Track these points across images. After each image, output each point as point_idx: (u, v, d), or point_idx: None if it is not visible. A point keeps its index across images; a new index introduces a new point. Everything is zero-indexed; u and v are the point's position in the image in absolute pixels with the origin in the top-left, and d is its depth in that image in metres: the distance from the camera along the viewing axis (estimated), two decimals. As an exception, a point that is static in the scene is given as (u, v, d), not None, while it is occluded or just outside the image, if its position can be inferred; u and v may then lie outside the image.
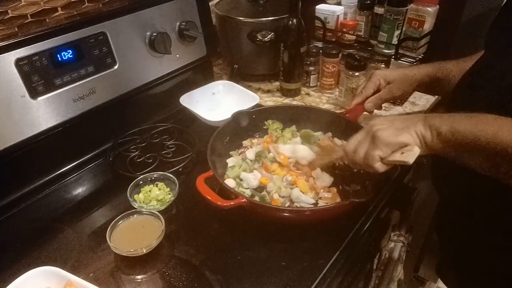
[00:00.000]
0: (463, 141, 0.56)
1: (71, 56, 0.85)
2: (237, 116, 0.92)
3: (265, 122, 0.96)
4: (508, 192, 0.58)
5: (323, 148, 0.84)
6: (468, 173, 0.60)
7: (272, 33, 1.14)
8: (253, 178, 0.80)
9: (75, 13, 0.95)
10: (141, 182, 0.83)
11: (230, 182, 0.80)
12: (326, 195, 0.78)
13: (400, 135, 0.62)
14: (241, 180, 0.82)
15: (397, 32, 1.17)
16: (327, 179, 0.82)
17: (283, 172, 0.82)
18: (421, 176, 1.02)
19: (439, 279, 1.03)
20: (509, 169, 0.54)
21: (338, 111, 1.06)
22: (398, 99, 1.13)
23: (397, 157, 0.63)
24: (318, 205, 0.77)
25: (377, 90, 0.93)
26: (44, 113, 0.84)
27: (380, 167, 0.65)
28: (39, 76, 0.81)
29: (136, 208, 0.76)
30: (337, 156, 0.77)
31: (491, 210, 0.68)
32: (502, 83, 0.62)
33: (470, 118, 0.58)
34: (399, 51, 1.15)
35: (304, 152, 0.85)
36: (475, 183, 0.64)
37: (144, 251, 0.68)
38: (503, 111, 0.56)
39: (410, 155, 0.61)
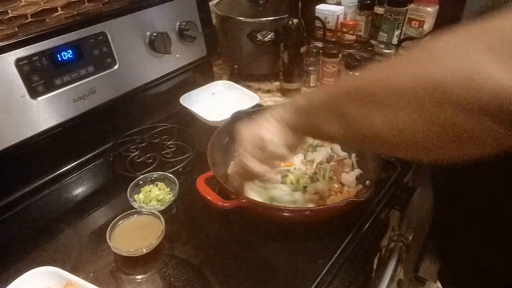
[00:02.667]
0: (319, 106, 0.50)
1: (71, 56, 0.85)
2: (237, 116, 0.92)
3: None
4: (507, 196, 0.58)
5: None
6: (467, 180, 0.60)
7: (272, 33, 1.14)
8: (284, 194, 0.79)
9: (75, 13, 0.95)
10: (141, 182, 0.83)
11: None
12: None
13: (254, 125, 0.60)
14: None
15: (397, 32, 1.17)
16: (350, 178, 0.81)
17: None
18: (421, 176, 1.02)
19: (438, 280, 1.03)
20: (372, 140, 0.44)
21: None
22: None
23: (267, 151, 0.59)
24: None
25: None
26: (44, 113, 0.84)
27: (255, 166, 0.61)
28: (39, 76, 0.81)
29: (136, 208, 0.76)
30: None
31: (489, 215, 0.68)
32: None
33: (325, 87, 0.54)
34: (399, 51, 1.15)
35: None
36: (474, 192, 0.63)
37: (144, 251, 0.68)
38: None
39: (273, 143, 0.57)
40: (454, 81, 0.34)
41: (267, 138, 0.58)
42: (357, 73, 0.47)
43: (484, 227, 0.69)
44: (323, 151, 0.89)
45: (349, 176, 0.83)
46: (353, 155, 0.89)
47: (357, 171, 0.85)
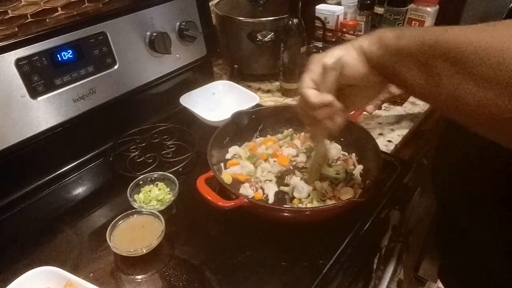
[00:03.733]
0: (406, 44, 0.46)
1: (71, 56, 0.85)
2: (237, 116, 0.92)
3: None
4: (507, 196, 0.58)
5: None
6: (467, 180, 0.60)
7: (272, 33, 1.14)
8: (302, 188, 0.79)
9: (75, 13, 0.95)
10: (141, 182, 0.83)
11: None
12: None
13: (330, 51, 0.54)
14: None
15: (397, 32, 1.17)
16: (304, 190, 0.79)
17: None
18: (421, 176, 1.03)
19: (439, 279, 1.03)
20: (454, 82, 0.40)
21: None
22: (398, 99, 1.13)
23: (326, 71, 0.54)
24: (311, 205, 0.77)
25: None
26: (44, 113, 0.84)
27: (310, 93, 0.55)
28: (39, 76, 0.81)
29: (136, 208, 0.76)
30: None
31: (490, 216, 0.68)
32: None
33: (422, 28, 0.50)
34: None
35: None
36: (474, 191, 0.63)
37: (144, 251, 0.68)
38: None
39: (331, 56, 0.52)
40: None
41: (330, 66, 0.52)
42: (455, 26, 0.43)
43: (485, 224, 0.70)
44: (336, 148, 0.91)
45: (354, 173, 0.84)
46: (353, 154, 0.90)
47: (360, 167, 0.86)
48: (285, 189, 0.81)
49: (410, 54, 0.45)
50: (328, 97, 0.55)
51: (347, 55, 0.52)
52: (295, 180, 0.81)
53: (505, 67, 0.35)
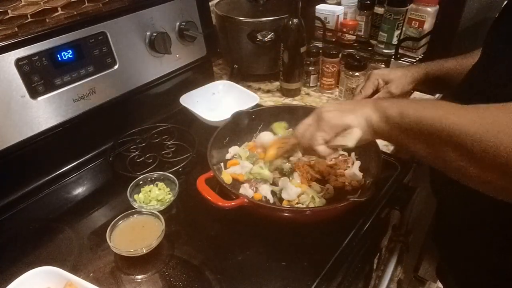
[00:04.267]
0: (409, 124, 0.52)
1: (71, 56, 0.85)
2: (237, 116, 0.92)
3: (272, 125, 0.97)
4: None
5: (283, 136, 0.85)
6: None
7: (272, 33, 1.14)
8: (291, 189, 0.79)
9: (75, 13, 0.95)
10: (141, 182, 0.83)
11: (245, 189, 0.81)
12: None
13: (344, 117, 0.60)
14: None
15: (397, 32, 1.17)
16: (292, 191, 0.79)
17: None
18: (421, 176, 1.02)
19: (438, 278, 1.03)
20: (458, 162, 0.47)
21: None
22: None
23: (338, 140, 0.61)
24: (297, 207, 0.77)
25: (376, 90, 0.93)
26: (44, 113, 0.84)
27: (323, 150, 0.63)
28: (39, 76, 0.81)
29: (136, 208, 0.76)
30: (292, 143, 0.74)
31: (489, 215, 0.68)
32: (497, 88, 0.62)
33: (420, 102, 0.55)
34: (399, 51, 1.15)
35: (265, 138, 0.87)
36: (473, 190, 0.63)
37: (144, 251, 0.68)
38: None
39: (350, 138, 0.59)
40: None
41: (349, 131, 0.59)
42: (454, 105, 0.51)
43: (485, 224, 0.69)
44: None
45: (353, 169, 0.84)
46: (353, 154, 0.90)
47: (358, 163, 0.86)
48: (276, 189, 0.81)
49: (414, 133, 0.52)
50: (329, 153, 0.64)
51: (358, 128, 0.59)
52: (284, 181, 0.81)
53: (502, 152, 0.41)
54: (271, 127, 0.96)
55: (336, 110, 0.62)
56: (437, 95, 1.18)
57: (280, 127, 0.94)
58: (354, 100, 0.69)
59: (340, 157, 0.89)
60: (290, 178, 0.82)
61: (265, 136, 0.90)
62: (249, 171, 0.84)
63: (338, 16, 1.25)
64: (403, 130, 0.54)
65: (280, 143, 0.79)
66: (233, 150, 0.91)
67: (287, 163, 0.86)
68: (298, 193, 0.78)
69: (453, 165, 0.48)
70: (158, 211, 0.74)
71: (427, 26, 1.11)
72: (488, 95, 0.63)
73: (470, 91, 0.70)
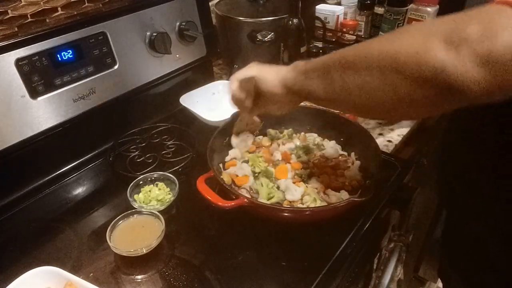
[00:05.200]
0: (312, 66, 0.60)
1: (71, 56, 0.85)
2: (237, 116, 0.92)
3: (268, 131, 0.97)
4: None
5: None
6: (472, 180, 0.60)
7: (272, 33, 1.14)
8: (295, 190, 0.78)
9: (75, 13, 0.95)
10: (141, 182, 0.83)
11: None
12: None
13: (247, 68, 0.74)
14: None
15: (397, 32, 1.17)
16: (296, 192, 0.78)
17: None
18: (421, 176, 1.03)
19: (439, 279, 1.03)
20: (342, 80, 0.53)
21: (337, 111, 1.06)
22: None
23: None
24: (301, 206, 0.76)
25: None
26: (44, 113, 0.84)
27: (233, 87, 0.74)
28: (39, 76, 0.81)
29: (136, 208, 0.76)
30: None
31: (494, 214, 0.68)
32: None
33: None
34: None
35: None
36: (480, 191, 0.63)
37: (144, 251, 0.68)
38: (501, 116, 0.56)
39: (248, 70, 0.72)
40: (406, 55, 0.44)
41: (256, 76, 0.70)
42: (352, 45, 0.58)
43: (489, 223, 0.69)
44: (331, 146, 0.91)
45: (352, 170, 0.84)
46: (352, 153, 0.90)
47: (358, 163, 0.86)
48: (280, 195, 0.79)
49: (313, 71, 0.59)
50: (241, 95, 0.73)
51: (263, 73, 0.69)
52: (287, 182, 0.80)
53: (373, 58, 0.48)
54: (269, 130, 0.96)
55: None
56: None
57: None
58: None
59: (340, 157, 0.89)
60: (307, 184, 0.81)
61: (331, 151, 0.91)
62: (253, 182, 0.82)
63: (338, 16, 1.25)
64: (305, 72, 0.61)
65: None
66: (233, 153, 0.90)
67: (307, 169, 0.84)
68: (302, 192, 0.78)
69: (339, 84, 0.53)
70: (158, 211, 0.74)
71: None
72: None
73: None
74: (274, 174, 0.83)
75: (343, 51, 0.54)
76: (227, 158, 0.89)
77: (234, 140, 0.91)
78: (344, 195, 0.78)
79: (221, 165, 0.88)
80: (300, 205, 0.77)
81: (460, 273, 0.84)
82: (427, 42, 0.42)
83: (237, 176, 0.83)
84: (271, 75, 0.68)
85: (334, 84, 0.54)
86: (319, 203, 0.76)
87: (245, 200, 0.70)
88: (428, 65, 0.41)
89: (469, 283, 0.81)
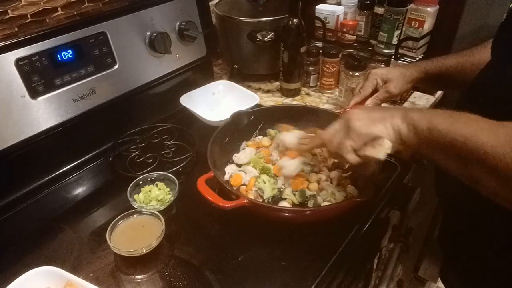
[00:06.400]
0: (439, 139, 0.53)
1: (71, 56, 0.85)
2: (237, 116, 0.92)
3: (268, 131, 0.97)
4: None
5: (307, 136, 0.84)
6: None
7: (272, 33, 1.14)
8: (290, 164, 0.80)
9: (75, 13, 0.95)
10: (141, 182, 0.83)
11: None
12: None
13: (373, 126, 0.60)
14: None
15: (397, 32, 1.17)
16: (291, 167, 0.80)
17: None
18: (421, 176, 1.02)
19: (439, 279, 1.03)
20: (486, 179, 0.49)
21: (338, 111, 1.06)
22: (398, 98, 1.13)
23: (368, 151, 0.61)
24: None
25: (375, 89, 0.93)
26: (44, 113, 0.84)
27: (352, 158, 0.63)
28: (39, 76, 0.81)
29: (136, 208, 0.76)
30: (317, 143, 0.74)
31: (494, 216, 0.68)
32: (506, 94, 0.61)
33: (450, 116, 0.55)
34: (399, 51, 1.15)
35: (289, 138, 0.86)
36: (476, 192, 0.63)
37: (144, 251, 0.68)
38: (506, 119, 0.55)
39: (380, 150, 0.58)
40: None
41: (379, 142, 0.59)
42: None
43: (489, 224, 0.69)
44: None
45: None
46: None
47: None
48: (277, 184, 0.81)
49: (443, 148, 0.53)
50: (357, 162, 0.64)
51: (387, 138, 0.59)
52: (282, 160, 0.81)
53: None
54: (269, 130, 0.96)
55: (365, 119, 0.61)
56: (438, 93, 1.18)
57: (285, 128, 0.93)
58: (383, 107, 0.68)
59: None
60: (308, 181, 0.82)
61: (288, 137, 0.88)
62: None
63: (338, 16, 1.25)
64: (431, 144, 0.54)
65: (303, 140, 0.80)
66: (229, 169, 0.87)
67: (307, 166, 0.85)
68: (295, 165, 0.79)
69: (482, 183, 0.50)
70: (158, 211, 0.74)
71: (427, 26, 1.11)
72: (501, 100, 0.62)
73: (483, 95, 0.69)
74: (271, 170, 0.83)
75: (484, 137, 0.49)
76: (226, 177, 0.85)
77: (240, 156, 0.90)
78: (351, 189, 0.78)
79: (226, 176, 0.86)
80: (318, 198, 0.77)
81: (459, 274, 0.84)
82: None
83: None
84: (382, 130, 0.60)
85: (473, 176, 0.51)
86: (338, 196, 0.76)
87: (246, 200, 0.70)
88: None
89: (467, 284, 0.81)
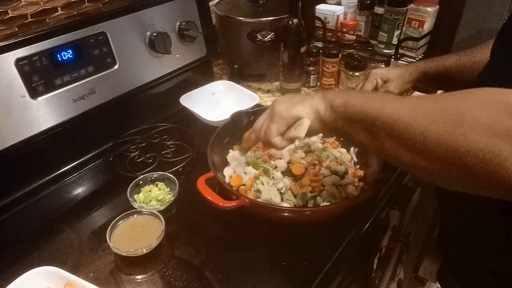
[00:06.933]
0: (352, 113, 0.55)
1: (71, 56, 0.85)
2: (237, 116, 0.92)
3: None
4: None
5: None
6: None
7: (272, 33, 1.14)
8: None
9: (75, 13, 0.95)
10: (141, 182, 0.83)
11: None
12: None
13: (293, 108, 0.62)
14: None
15: (397, 32, 1.17)
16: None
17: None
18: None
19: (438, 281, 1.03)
20: (393, 149, 0.50)
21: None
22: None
23: (291, 131, 0.63)
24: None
25: (375, 89, 0.93)
26: (44, 113, 0.84)
27: (278, 142, 0.65)
28: (39, 76, 0.81)
29: (136, 208, 0.76)
30: (252, 139, 0.74)
31: (493, 217, 0.68)
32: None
33: (364, 94, 0.56)
34: (399, 51, 1.15)
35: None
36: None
37: (144, 251, 0.68)
38: None
39: (301, 129, 0.61)
40: (475, 158, 0.41)
41: (299, 122, 0.62)
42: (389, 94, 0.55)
43: (488, 226, 0.69)
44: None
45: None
46: (352, 149, 0.90)
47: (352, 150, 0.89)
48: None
49: (356, 122, 0.55)
50: (285, 145, 0.66)
51: (307, 118, 0.62)
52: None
53: (428, 142, 0.43)
54: None
55: (286, 102, 0.64)
56: (438, 93, 1.18)
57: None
58: (305, 94, 0.71)
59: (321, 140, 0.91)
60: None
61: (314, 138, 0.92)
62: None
63: (338, 16, 1.25)
64: (346, 119, 0.57)
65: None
66: (228, 171, 0.86)
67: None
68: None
69: (389, 151, 0.50)
70: (158, 211, 0.74)
71: (427, 26, 1.11)
72: None
73: None
74: (270, 171, 0.83)
75: (390, 108, 0.49)
76: (227, 179, 0.84)
77: (233, 154, 0.89)
78: (351, 189, 0.78)
79: (227, 179, 0.85)
80: (318, 198, 0.77)
81: (456, 275, 0.84)
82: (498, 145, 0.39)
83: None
84: (301, 110, 0.63)
85: (383, 147, 0.51)
86: (338, 197, 0.77)
87: (246, 200, 0.70)
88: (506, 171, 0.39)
89: (465, 286, 0.81)
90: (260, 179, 0.80)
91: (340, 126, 0.58)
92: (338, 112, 0.58)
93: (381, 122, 0.50)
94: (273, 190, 0.78)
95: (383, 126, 0.50)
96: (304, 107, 0.62)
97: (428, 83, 0.93)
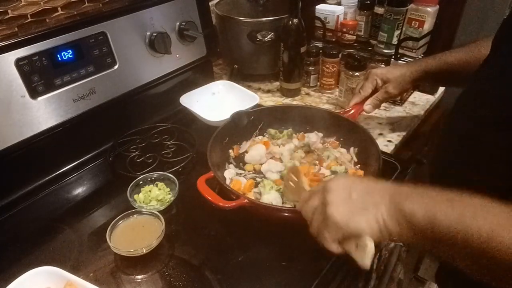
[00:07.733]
0: (444, 234, 0.45)
1: (71, 56, 0.85)
2: (237, 116, 0.92)
3: (268, 130, 0.98)
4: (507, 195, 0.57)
5: (295, 184, 0.72)
6: (467, 179, 0.59)
7: (272, 33, 1.14)
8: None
9: (75, 13, 0.95)
10: (141, 182, 0.83)
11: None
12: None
13: (353, 218, 0.52)
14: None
15: (397, 32, 1.17)
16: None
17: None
18: (421, 176, 1.02)
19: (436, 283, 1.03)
20: (502, 275, 0.45)
21: (338, 111, 1.06)
22: (398, 99, 1.13)
23: (351, 250, 0.53)
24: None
25: (375, 89, 0.93)
26: (44, 113, 0.84)
27: (334, 249, 0.56)
28: (39, 76, 0.81)
29: (136, 208, 0.76)
30: (298, 199, 0.67)
31: None
32: (504, 92, 0.61)
33: (452, 203, 0.47)
34: (399, 51, 1.15)
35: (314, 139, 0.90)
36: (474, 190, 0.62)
37: (144, 251, 0.68)
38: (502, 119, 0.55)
39: (366, 257, 0.51)
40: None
41: (362, 244, 0.52)
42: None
43: None
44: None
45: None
46: (351, 148, 0.90)
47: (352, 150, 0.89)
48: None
49: (424, 235, 0.48)
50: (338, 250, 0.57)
51: (370, 237, 0.52)
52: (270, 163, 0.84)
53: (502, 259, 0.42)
54: (269, 130, 0.97)
55: (345, 206, 0.53)
56: (438, 93, 1.18)
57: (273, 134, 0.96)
58: (367, 186, 0.56)
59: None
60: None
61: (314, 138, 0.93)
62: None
63: (338, 16, 1.25)
64: (433, 239, 0.48)
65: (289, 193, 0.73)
66: (228, 173, 0.86)
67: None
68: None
69: (457, 260, 0.48)
70: (158, 211, 0.74)
71: (427, 26, 1.11)
72: (499, 100, 0.61)
73: (481, 96, 0.69)
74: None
75: (447, 219, 0.45)
76: (227, 182, 0.84)
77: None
78: None
79: (227, 181, 0.84)
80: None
81: (454, 278, 0.83)
82: None
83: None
84: (363, 225, 0.52)
85: (441, 252, 0.49)
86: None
87: (246, 200, 0.70)
88: None
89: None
90: (263, 181, 0.81)
91: (422, 245, 0.50)
92: (421, 230, 0.48)
93: (493, 253, 0.43)
94: (274, 194, 0.78)
95: (443, 238, 0.45)
96: (366, 220, 0.51)
97: (429, 81, 0.93)
